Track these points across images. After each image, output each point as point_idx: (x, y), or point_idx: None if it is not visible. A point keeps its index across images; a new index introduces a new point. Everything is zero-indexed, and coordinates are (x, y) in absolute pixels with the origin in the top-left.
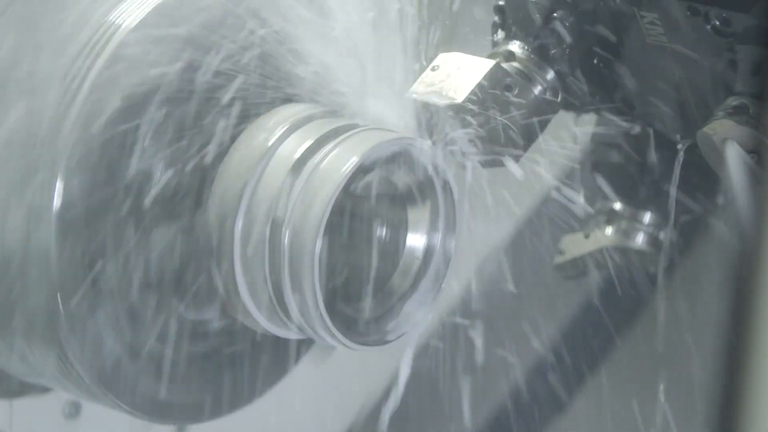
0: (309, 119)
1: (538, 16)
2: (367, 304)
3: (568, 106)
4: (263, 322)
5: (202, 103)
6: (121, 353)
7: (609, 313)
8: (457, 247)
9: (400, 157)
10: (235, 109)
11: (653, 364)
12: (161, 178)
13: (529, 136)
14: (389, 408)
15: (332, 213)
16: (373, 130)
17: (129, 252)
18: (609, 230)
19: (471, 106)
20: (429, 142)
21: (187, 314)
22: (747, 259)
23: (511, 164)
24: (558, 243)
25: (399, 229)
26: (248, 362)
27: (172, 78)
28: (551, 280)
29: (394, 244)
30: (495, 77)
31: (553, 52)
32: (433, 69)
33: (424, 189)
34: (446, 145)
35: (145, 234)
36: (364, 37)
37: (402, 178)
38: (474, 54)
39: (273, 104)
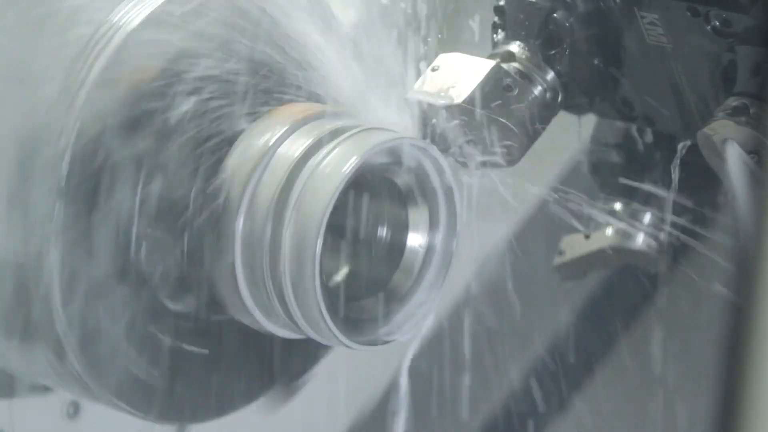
0: (309, 119)
1: (538, 16)
2: (368, 304)
3: (568, 106)
4: (263, 322)
5: (202, 105)
6: (120, 353)
7: (609, 314)
8: (458, 247)
9: (400, 157)
10: (236, 110)
11: (653, 365)
12: (161, 178)
13: (528, 137)
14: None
15: (332, 213)
16: (373, 130)
17: (129, 252)
18: (609, 230)
19: (471, 107)
20: (429, 143)
21: (187, 314)
22: (747, 260)
23: (509, 165)
24: (558, 243)
25: (399, 228)
26: (248, 362)
27: (172, 80)
28: (551, 281)
29: (395, 244)
30: (495, 78)
31: (553, 52)
32: (433, 69)
33: (424, 189)
34: (446, 145)
35: (145, 234)
36: (364, 37)
37: (402, 178)
38: (474, 54)
39: (273, 104)
